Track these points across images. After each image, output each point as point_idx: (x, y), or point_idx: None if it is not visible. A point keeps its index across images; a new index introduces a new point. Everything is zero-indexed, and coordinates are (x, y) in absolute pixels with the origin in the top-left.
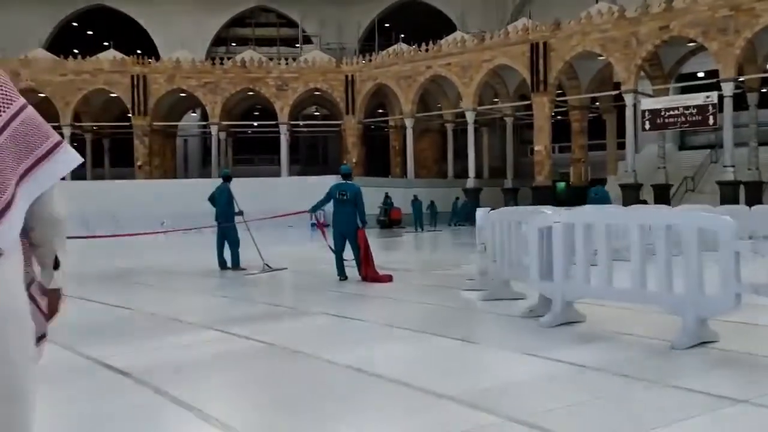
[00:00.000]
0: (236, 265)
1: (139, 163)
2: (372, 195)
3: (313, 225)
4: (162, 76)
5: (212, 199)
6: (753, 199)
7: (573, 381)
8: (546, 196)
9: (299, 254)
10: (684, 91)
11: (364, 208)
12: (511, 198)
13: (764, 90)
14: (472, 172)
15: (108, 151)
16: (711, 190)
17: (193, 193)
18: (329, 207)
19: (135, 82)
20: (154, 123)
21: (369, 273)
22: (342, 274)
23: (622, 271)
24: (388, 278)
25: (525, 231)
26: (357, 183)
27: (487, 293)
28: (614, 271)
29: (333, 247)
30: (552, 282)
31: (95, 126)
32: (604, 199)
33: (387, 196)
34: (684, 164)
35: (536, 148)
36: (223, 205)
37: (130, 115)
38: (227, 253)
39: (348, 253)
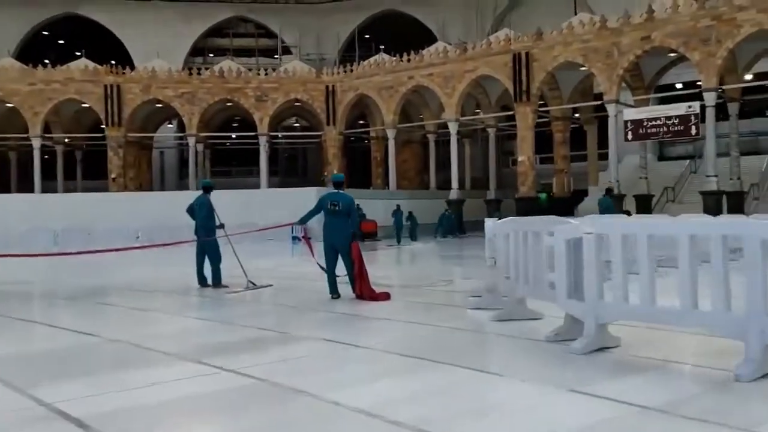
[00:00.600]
0: (217, 282)
1: (113, 176)
2: None
3: (294, 238)
4: (137, 86)
5: (191, 210)
6: (735, 209)
7: (635, 429)
8: (530, 208)
9: (282, 269)
10: (662, 101)
11: (357, 219)
12: (495, 209)
13: (744, 100)
14: (455, 183)
15: (80, 164)
16: (691, 200)
17: (170, 205)
18: (313, 220)
19: (108, 92)
20: (129, 134)
21: (364, 290)
22: (334, 292)
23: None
24: (386, 296)
25: (549, 243)
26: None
27: (500, 313)
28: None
29: (321, 265)
30: (583, 302)
31: (67, 137)
32: (609, 209)
33: (358, 207)
34: (663, 175)
35: (520, 158)
36: (203, 217)
37: (103, 126)
38: (207, 270)
39: (341, 269)
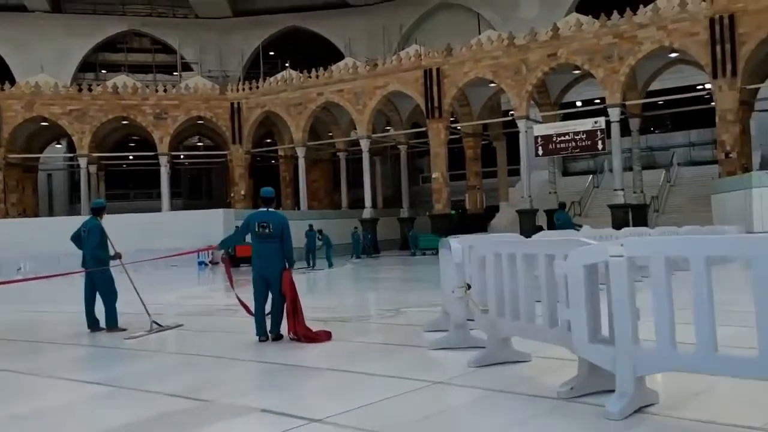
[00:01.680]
0: (112, 324)
1: None
2: None
3: (201, 264)
4: (18, 103)
5: (77, 238)
6: (639, 221)
7: None
8: (445, 225)
9: (191, 302)
10: (566, 118)
11: (292, 243)
12: (409, 228)
13: (645, 115)
14: (368, 202)
15: None
16: (596, 214)
17: (59, 232)
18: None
19: None
20: (10, 155)
21: (299, 329)
22: (263, 333)
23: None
24: (326, 336)
25: (561, 270)
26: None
27: (480, 356)
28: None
29: (243, 301)
30: (612, 347)
31: None
32: (567, 224)
33: (237, 229)
34: (568, 189)
35: (434, 175)
36: (93, 246)
37: None
38: (100, 309)
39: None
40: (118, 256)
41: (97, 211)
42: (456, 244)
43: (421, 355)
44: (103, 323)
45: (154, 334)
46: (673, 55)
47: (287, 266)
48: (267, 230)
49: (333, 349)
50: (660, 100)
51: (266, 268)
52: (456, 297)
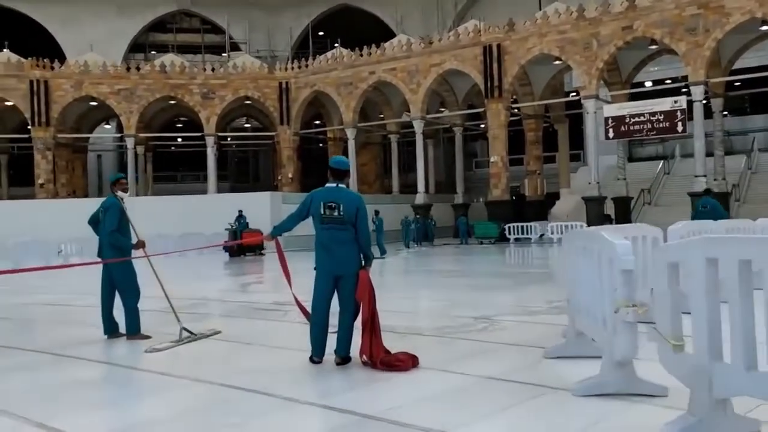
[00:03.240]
0: (133, 330)
1: (41, 181)
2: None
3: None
4: (67, 82)
5: (95, 221)
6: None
7: None
8: (504, 212)
9: (231, 296)
10: (633, 98)
11: (369, 231)
12: (462, 214)
13: (728, 95)
14: (421, 187)
15: (5, 168)
16: (668, 203)
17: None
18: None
19: (34, 88)
20: (59, 135)
21: (377, 351)
22: (318, 354)
23: None
24: (411, 361)
25: None
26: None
27: (688, 426)
28: None
29: (301, 302)
30: None
31: None
32: (716, 212)
33: (240, 215)
34: (636, 177)
35: (492, 159)
36: (112, 229)
37: (30, 126)
38: (118, 310)
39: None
40: (141, 244)
41: (113, 185)
42: (621, 239)
43: (569, 409)
44: (122, 327)
45: (183, 346)
46: (765, 27)
47: (364, 263)
48: (337, 212)
49: (425, 385)
50: (740, 78)
51: (338, 265)
52: (622, 320)
